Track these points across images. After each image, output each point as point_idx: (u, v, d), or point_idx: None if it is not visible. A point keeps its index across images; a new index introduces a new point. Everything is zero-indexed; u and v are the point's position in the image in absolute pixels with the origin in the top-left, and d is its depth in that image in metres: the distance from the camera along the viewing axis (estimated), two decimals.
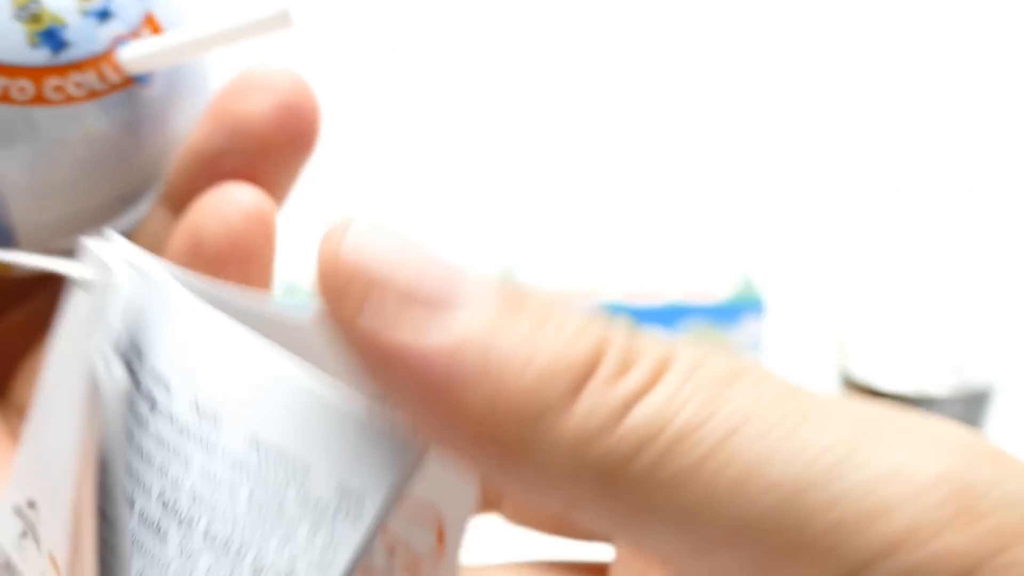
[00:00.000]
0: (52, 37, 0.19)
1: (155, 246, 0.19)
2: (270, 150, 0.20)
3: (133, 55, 0.20)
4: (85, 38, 0.20)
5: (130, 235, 0.21)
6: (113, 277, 0.14)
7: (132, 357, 0.14)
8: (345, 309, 0.13)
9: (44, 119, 0.20)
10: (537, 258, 0.61)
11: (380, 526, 0.13)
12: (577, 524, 0.18)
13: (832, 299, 0.69)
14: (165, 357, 0.14)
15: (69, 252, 0.16)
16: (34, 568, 0.16)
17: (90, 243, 0.15)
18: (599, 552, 0.19)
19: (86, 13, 0.20)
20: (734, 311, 0.57)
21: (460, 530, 0.17)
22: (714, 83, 0.78)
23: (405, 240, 0.13)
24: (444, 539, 0.17)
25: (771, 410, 0.13)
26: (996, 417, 0.57)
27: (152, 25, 0.21)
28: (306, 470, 0.14)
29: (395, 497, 0.13)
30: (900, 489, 0.12)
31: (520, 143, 0.74)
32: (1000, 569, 0.12)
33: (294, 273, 0.46)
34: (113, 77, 0.20)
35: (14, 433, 0.19)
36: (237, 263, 0.19)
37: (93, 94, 0.20)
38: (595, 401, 0.12)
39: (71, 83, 0.20)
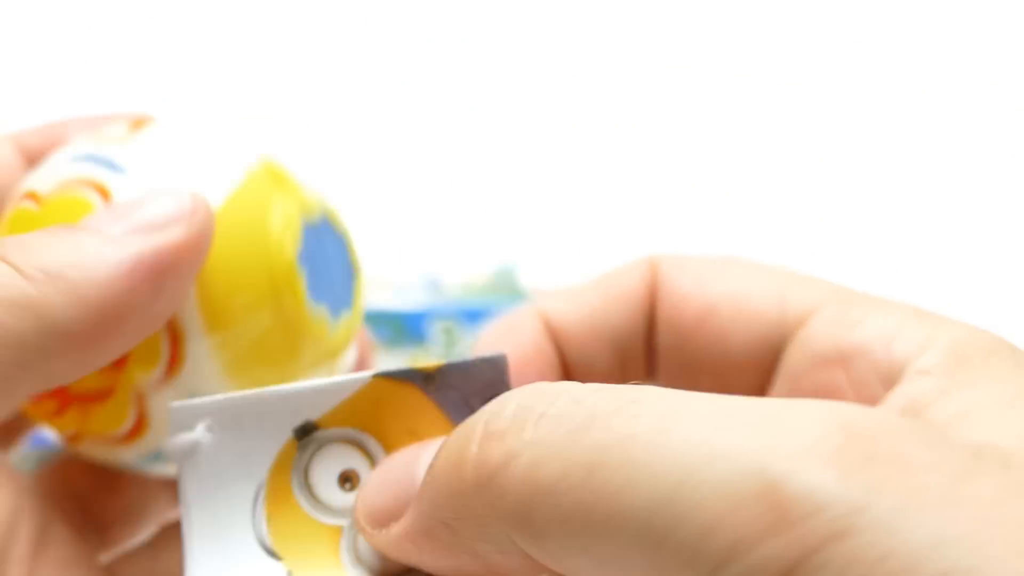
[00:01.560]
0: None
1: None
2: None
3: None
4: None
5: None
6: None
7: None
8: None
9: None
10: (541, 254, 0.61)
11: None
12: None
13: None
14: None
15: None
16: None
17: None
18: None
19: None
20: None
21: None
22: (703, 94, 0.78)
23: (383, 476, 0.19)
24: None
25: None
26: None
27: None
28: None
29: None
30: (724, 505, 0.14)
31: (515, 142, 0.73)
32: (813, 571, 0.14)
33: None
34: None
35: None
36: None
37: None
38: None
39: None
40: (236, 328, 0.21)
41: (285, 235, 0.21)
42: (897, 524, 0.14)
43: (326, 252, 0.23)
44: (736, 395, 0.18)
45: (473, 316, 0.51)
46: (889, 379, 0.19)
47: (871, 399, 0.19)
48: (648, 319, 0.22)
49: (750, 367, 0.21)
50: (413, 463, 0.18)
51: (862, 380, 0.19)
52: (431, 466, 0.17)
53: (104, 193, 0.21)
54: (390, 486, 0.18)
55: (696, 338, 0.21)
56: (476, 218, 0.67)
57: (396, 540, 0.18)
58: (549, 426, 0.15)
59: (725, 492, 0.14)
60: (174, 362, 0.21)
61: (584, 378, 0.21)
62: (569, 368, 0.22)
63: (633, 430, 0.15)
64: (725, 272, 0.21)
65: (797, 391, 0.20)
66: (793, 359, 0.20)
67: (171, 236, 0.20)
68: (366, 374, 0.20)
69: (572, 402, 0.16)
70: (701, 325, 0.21)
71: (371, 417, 0.20)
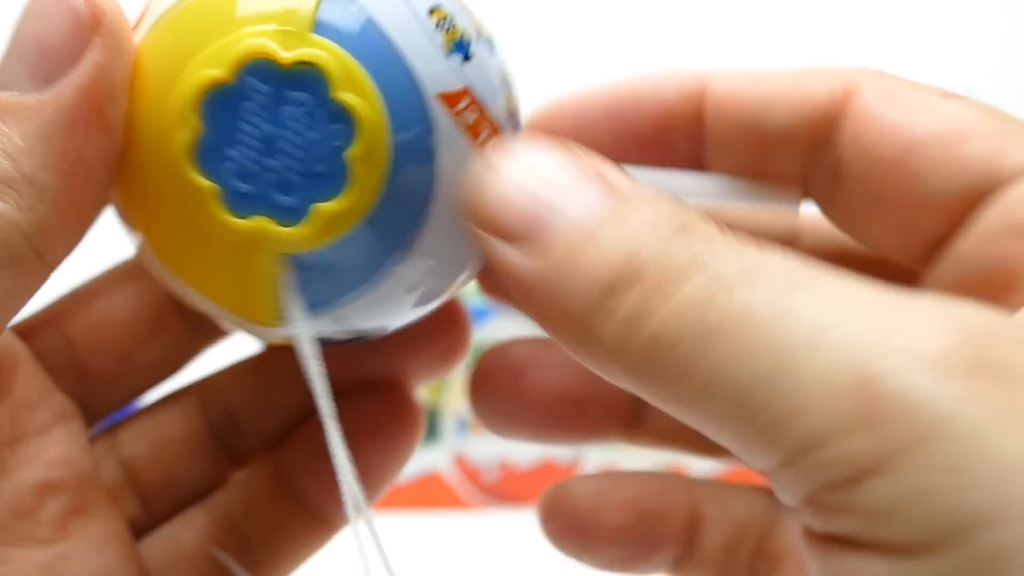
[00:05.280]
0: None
1: None
2: None
3: None
4: None
5: None
6: None
7: None
8: (479, 237, 0.17)
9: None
10: None
11: None
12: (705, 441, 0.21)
13: None
14: None
15: None
16: None
17: None
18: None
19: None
20: None
21: None
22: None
23: (510, 180, 0.17)
24: None
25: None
26: None
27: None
28: None
29: None
30: (816, 394, 0.14)
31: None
32: (889, 473, 0.14)
33: None
34: None
35: None
36: None
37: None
38: (621, 318, 0.16)
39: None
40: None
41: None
42: (984, 438, 0.13)
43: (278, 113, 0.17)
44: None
45: None
46: None
47: None
48: (819, 136, 0.20)
49: (941, 214, 0.19)
50: (548, 194, 0.16)
51: None
52: (569, 258, 0.16)
53: None
54: (517, 203, 0.17)
55: (892, 174, 0.19)
56: None
57: (517, 270, 0.16)
58: (685, 290, 0.15)
59: (821, 381, 0.14)
60: None
61: (715, 161, 0.21)
62: (704, 150, 0.21)
63: (751, 304, 0.15)
64: (939, 107, 0.19)
65: (984, 255, 0.18)
66: (990, 220, 0.18)
67: (91, 65, 0.17)
68: None
69: (709, 257, 0.15)
70: (901, 163, 0.19)
71: None
